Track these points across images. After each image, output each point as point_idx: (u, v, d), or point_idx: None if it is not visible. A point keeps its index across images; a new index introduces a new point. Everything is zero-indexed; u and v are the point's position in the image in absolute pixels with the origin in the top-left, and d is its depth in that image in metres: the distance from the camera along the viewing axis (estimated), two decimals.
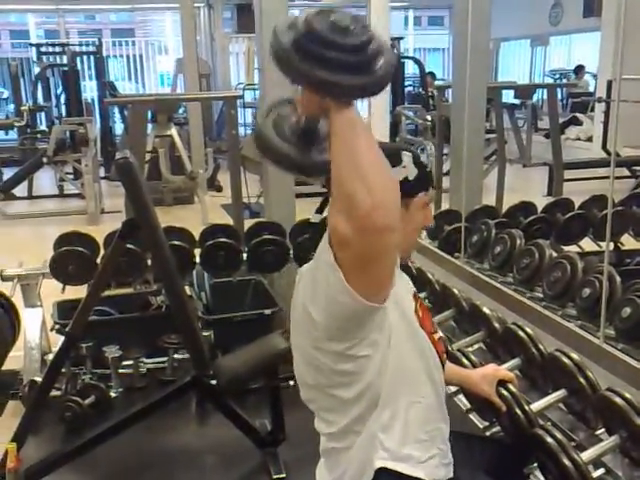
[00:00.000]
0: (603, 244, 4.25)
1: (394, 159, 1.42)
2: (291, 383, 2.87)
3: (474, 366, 2.07)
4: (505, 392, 1.86)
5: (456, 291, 2.59)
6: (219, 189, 7.86)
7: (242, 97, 6.09)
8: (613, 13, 9.37)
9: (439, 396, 1.53)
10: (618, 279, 2.69)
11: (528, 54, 14.14)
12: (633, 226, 4.23)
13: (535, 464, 1.87)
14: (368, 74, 1.13)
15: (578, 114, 10.37)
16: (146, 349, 3.39)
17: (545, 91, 9.85)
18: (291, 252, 3.53)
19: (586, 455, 1.72)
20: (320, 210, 1.60)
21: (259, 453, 2.75)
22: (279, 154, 1.28)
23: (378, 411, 1.41)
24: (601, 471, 1.79)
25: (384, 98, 3.88)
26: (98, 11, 14.80)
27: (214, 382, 2.66)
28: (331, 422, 1.46)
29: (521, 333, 2.15)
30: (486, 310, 2.39)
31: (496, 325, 2.32)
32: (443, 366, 1.57)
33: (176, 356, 3.36)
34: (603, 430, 1.88)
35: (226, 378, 2.59)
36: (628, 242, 4.28)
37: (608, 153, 8.77)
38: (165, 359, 3.39)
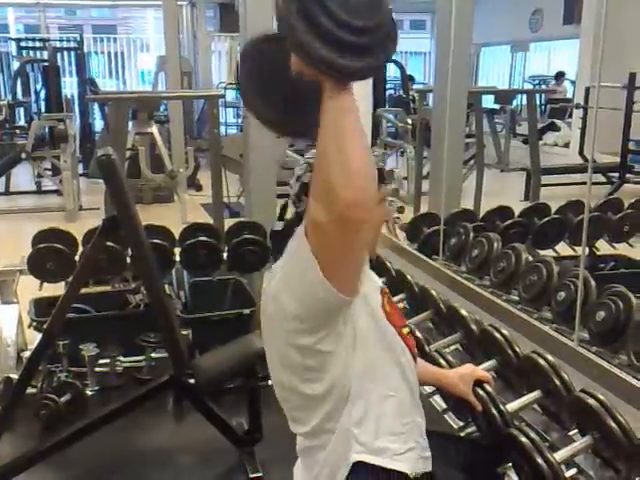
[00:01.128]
0: (579, 249, 4.32)
1: None
2: (269, 382, 2.89)
3: (451, 367, 2.10)
4: (481, 392, 1.88)
5: (434, 293, 2.62)
6: (199, 188, 7.84)
7: (224, 96, 6.08)
8: (592, 21, 9.50)
9: (412, 390, 1.55)
10: (593, 283, 2.73)
11: (508, 59, 14.28)
12: (608, 231, 4.30)
13: (509, 464, 1.90)
14: (372, 57, 1.11)
15: (556, 120, 10.49)
16: (123, 348, 3.37)
17: (524, 97, 9.98)
18: (271, 252, 3.54)
19: (559, 455, 1.74)
20: (281, 217, 1.62)
21: (236, 452, 2.75)
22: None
23: (349, 406, 1.43)
24: (573, 471, 1.82)
25: (367, 100, 3.89)
26: (79, 7, 14.67)
27: (192, 381, 2.66)
28: (303, 421, 1.48)
29: (497, 335, 2.18)
30: (463, 312, 2.42)
31: (473, 327, 2.35)
32: (415, 360, 1.59)
33: (153, 355, 3.35)
34: (576, 431, 1.91)
35: (204, 377, 2.60)
36: (603, 247, 4.35)
37: (585, 159, 8.89)
38: (142, 358, 3.38)
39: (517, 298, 3.00)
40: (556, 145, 10.32)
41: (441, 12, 4.24)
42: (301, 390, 1.44)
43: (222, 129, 9.94)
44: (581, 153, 8.97)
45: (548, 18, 11.24)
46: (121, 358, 3.36)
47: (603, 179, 8.16)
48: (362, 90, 3.90)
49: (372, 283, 1.57)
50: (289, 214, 1.57)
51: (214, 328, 3.44)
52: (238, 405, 2.89)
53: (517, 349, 2.14)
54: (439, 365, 2.10)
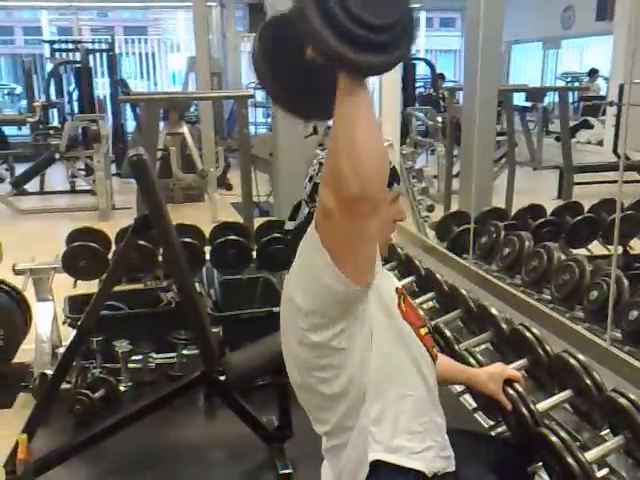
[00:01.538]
0: (612, 247, 4.27)
1: None
2: None
3: (481, 366, 2.09)
4: (511, 391, 1.87)
5: (464, 292, 2.61)
6: (229, 187, 7.90)
7: (253, 96, 6.10)
8: (626, 17, 9.36)
9: (430, 389, 1.55)
10: (626, 282, 2.71)
11: (540, 57, 14.13)
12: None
13: (540, 463, 1.89)
14: (390, 54, 1.12)
15: (589, 117, 10.36)
16: (155, 344, 3.42)
17: (557, 94, 9.86)
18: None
19: (590, 455, 1.73)
20: (292, 217, 1.63)
21: (266, 449, 2.78)
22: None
23: (367, 405, 1.44)
24: (605, 471, 1.80)
25: (396, 98, 3.89)
26: (111, 8, 14.86)
27: (223, 378, 2.69)
28: (324, 421, 1.50)
29: (528, 334, 2.17)
30: (494, 311, 2.40)
31: (503, 326, 2.34)
32: (434, 359, 1.59)
33: (185, 352, 3.39)
34: (608, 431, 1.89)
35: (235, 374, 2.62)
36: (638, 246, 4.29)
37: (619, 157, 8.77)
38: (174, 355, 3.42)
39: (549, 297, 2.98)
40: (589, 143, 10.19)
41: (470, 10, 4.22)
42: (319, 390, 1.45)
43: (251, 129, 10.01)
44: (615, 151, 8.85)
45: (580, 14, 11.11)
46: (153, 355, 3.40)
47: (638, 177, 8.03)
48: (391, 88, 3.92)
49: (389, 283, 1.58)
50: (302, 214, 1.59)
51: (244, 326, 3.47)
52: (268, 402, 2.91)
53: (548, 348, 2.12)
54: (469, 364, 2.09)
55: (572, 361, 1.97)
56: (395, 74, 3.91)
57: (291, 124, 3.78)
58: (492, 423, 2.16)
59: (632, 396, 1.74)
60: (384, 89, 3.86)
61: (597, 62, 12.26)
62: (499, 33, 4.18)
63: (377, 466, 1.45)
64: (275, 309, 3.62)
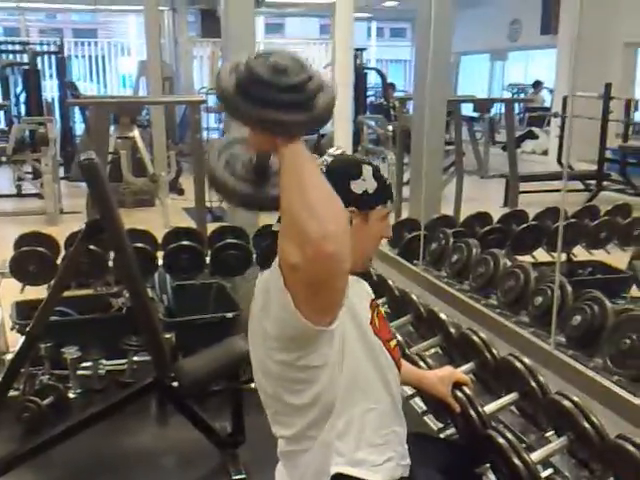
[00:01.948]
0: (556, 255, 4.40)
1: (355, 171, 1.48)
2: (252, 386, 2.92)
3: (430, 369, 2.14)
4: (460, 394, 1.93)
5: (414, 297, 2.66)
6: (181, 192, 7.84)
7: (206, 102, 6.09)
8: (569, 32, 9.66)
9: (395, 401, 1.58)
10: (569, 289, 2.80)
11: (487, 68, 14.45)
12: (585, 238, 4.38)
13: (488, 465, 1.95)
14: (309, 110, 1.17)
15: (534, 128, 10.64)
16: (106, 351, 3.38)
17: (503, 105, 10.08)
18: (254, 256, 3.57)
19: (535, 456, 1.79)
20: (281, 219, 1.65)
21: (219, 455, 2.78)
22: (233, 192, 1.32)
23: (333, 419, 1.45)
24: (549, 471, 1.87)
25: (347, 107, 3.95)
26: (60, 10, 14.60)
27: (175, 384, 2.69)
28: (286, 425, 1.50)
29: (475, 338, 2.23)
30: (442, 315, 2.47)
31: (452, 330, 2.40)
32: (399, 370, 1.62)
33: (136, 358, 3.37)
34: (552, 432, 1.96)
35: (188, 380, 2.62)
36: (581, 254, 4.43)
37: (562, 166, 9.03)
38: (124, 361, 3.39)
39: (495, 303, 3.06)
40: (534, 153, 10.46)
41: (421, 21, 4.31)
42: (285, 399, 1.45)
43: (204, 134, 9.96)
44: (559, 161, 9.11)
45: (526, 28, 11.41)
46: (103, 361, 3.36)
47: (581, 186, 8.29)
48: (343, 97, 3.97)
49: (362, 299, 1.58)
50: None
51: (197, 332, 3.46)
52: (221, 408, 2.91)
53: (494, 352, 2.19)
54: (419, 367, 2.15)
55: (518, 364, 2.04)
56: (346, 89, 3.96)
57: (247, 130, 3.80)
58: (441, 426, 2.22)
59: (575, 398, 1.81)
60: (339, 103, 3.91)
61: (542, 74, 12.60)
62: (448, 44, 4.28)
63: (339, 479, 1.48)
64: (228, 315, 3.65)
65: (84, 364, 3.28)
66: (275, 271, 1.28)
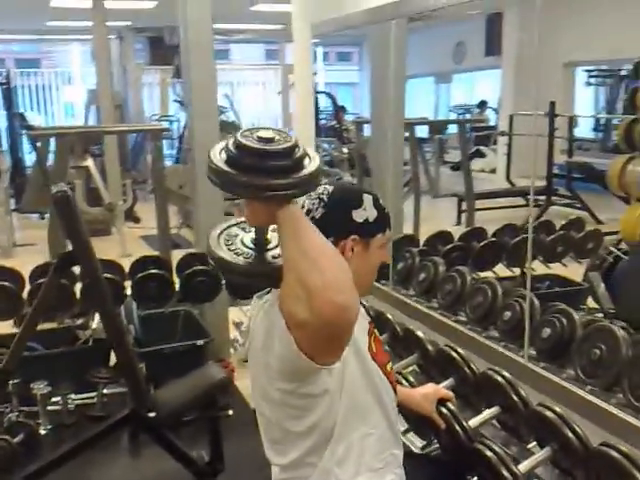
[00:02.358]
0: (516, 270, 4.53)
1: (356, 201, 1.52)
2: (230, 412, 2.92)
3: (413, 387, 2.18)
4: (445, 410, 1.97)
5: (390, 316, 2.71)
6: (137, 220, 7.77)
7: (169, 130, 6.06)
8: (513, 53, 9.98)
9: (392, 425, 1.60)
10: (537, 302, 2.88)
11: (433, 90, 14.75)
12: (542, 252, 4.52)
13: (473, 479, 1.99)
14: (300, 172, 1.24)
15: (481, 147, 10.90)
16: (74, 385, 3.33)
17: (449, 126, 10.33)
18: (223, 283, 3.57)
19: (522, 467, 1.84)
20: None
21: None
22: (238, 270, 1.36)
23: (332, 445, 1.47)
24: None
25: (310, 131, 4.00)
26: (2, 41, 14.35)
27: (152, 415, 2.66)
28: (284, 453, 1.51)
29: (454, 354, 2.28)
30: (419, 334, 2.51)
31: (429, 347, 2.45)
32: (395, 393, 1.65)
33: (105, 391, 3.32)
34: (535, 443, 2.01)
35: (165, 410, 2.59)
36: (539, 268, 4.56)
37: (512, 184, 9.28)
38: (94, 394, 3.34)
39: (465, 319, 3.12)
40: (483, 171, 10.70)
41: (375, 45, 4.39)
42: (285, 425, 1.47)
43: None
44: (508, 178, 9.36)
45: (471, 50, 11.72)
46: (72, 395, 3.31)
47: (527, 202, 8.53)
48: (305, 120, 4.02)
49: (360, 322, 1.55)
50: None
51: (168, 361, 3.44)
52: (195, 437, 2.89)
53: (473, 367, 2.24)
54: (402, 386, 2.18)
55: (498, 378, 2.09)
56: (308, 105, 4.02)
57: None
58: (424, 443, 2.25)
59: (557, 408, 1.87)
60: (299, 121, 3.97)
61: (485, 94, 12.94)
62: (404, 68, 4.38)
63: None
64: (199, 342, 3.63)
65: (53, 399, 3.22)
66: (277, 311, 1.30)
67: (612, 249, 4.93)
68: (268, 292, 1.56)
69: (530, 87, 9.90)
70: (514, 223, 4.72)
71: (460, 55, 12.53)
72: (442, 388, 2.07)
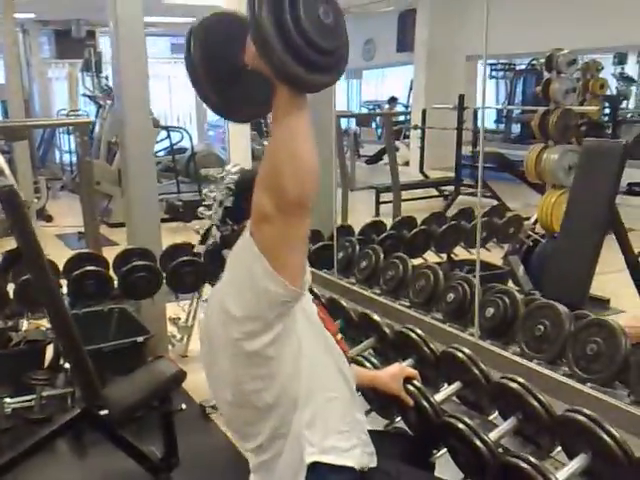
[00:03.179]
0: (443, 256, 4.69)
1: None
2: (183, 406, 2.88)
3: (376, 368, 2.23)
4: (412, 388, 2.03)
5: (344, 302, 2.75)
6: (49, 219, 7.48)
7: (93, 123, 5.85)
8: (424, 48, 10.25)
9: (351, 389, 1.67)
10: (478, 284, 3.00)
11: (343, 86, 14.94)
12: (464, 239, 4.71)
13: (438, 453, 2.06)
14: (334, 74, 1.25)
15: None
16: (9, 388, 3.20)
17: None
18: (163, 278, 3.51)
19: (492, 436, 1.92)
20: (203, 242, 1.69)
21: None
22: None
23: (299, 411, 1.51)
24: (500, 450, 2.01)
25: (245, 126, 3.98)
26: None
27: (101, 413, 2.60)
28: (255, 435, 1.55)
29: (413, 335, 2.35)
30: (376, 317, 2.57)
31: (386, 330, 2.51)
32: (349, 362, 1.72)
33: (44, 393, 3.21)
34: (496, 414, 2.10)
35: (119, 408, 2.54)
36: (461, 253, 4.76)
37: (425, 176, 9.54)
38: (31, 397, 3.21)
39: (408, 303, 3.20)
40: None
41: None
42: (251, 403, 1.50)
43: (66, 157, 9.58)
44: (422, 170, 9.61)
45: (381, 47, 11.93)
46: (7, 399, 3.17)
47: (440, 193, 8.81)
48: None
49: (306, 294, 1.63)
50: (213, 238, 1.65)
51: (106, 359, 3.34)
52: (140, 433, 2.85)
53: (432, 346, 2.32)
54: (365, 368, 2.23)
55: (460, 355, 2.17)
56: None
57: (140, 152, 3.75)
58: (386, 422, 2.31)
59: (521, 379, 1.96)
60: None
61: (394, 90, 13.22)
62: None
63: (314, 468, 1.53)
64: (139, 339, 3.56)
65: None
66: (246, 243, 1.34)
67: (531, 233, 5.20)
68: None
69: (441, 81, 10.24)
70: (440, 212, 4.89)
71: (370, 52, 12.74)
72: (407, 367, 2.13)
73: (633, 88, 11.71)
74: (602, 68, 8.93)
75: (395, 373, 2.05)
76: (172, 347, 4.06)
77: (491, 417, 2.14)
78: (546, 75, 5.24)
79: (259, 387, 1.48)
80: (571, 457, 1.81)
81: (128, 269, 3.39)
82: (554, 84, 5.07)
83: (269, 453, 1.55)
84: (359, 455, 1.60)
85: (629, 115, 11.32)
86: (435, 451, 2.07)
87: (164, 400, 2.69)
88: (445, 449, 2.03)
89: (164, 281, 3.51)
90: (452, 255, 4.80)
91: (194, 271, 3.51)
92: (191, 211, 7.68)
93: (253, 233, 1.33)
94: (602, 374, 2.34)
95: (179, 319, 4.13)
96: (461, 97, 8.25)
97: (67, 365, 3.13)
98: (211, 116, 14.33)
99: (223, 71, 1.38)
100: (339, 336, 1.71)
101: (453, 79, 10.13)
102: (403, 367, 2.12)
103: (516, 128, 11.80)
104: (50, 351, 3.51)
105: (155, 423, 2.87)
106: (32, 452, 2.48)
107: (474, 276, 4.32)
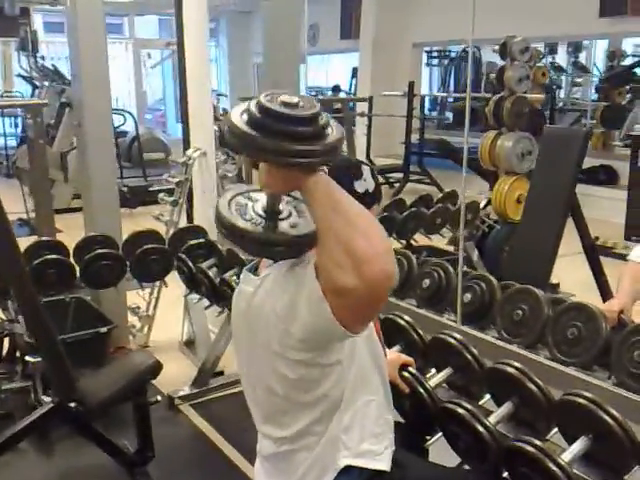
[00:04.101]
0: (403, 242, 4.71)
1: (356, 172, 1.53)
2: (158, 398, 2.80)
3: None
4: (408, 374, 2.02)
5: None
6: None
7: (47, 104, 5.58)
8: (370, 36, 10.23)
9: (387, 390, 1.64)
10: (452, 270, 3.02)
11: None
12: (423, 225, 4.75)
13: (431, 439, 2.06)
14: (326, 139, 1.21)
15: None
16: None
17: None
18: (127, 266, 3.39)
19: (492, 419, 1.92)
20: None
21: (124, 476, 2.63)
22: (257, 239, 1.30)
23: (340, 414, 1.48)
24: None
25: (208, 108, 3.88)
26: None
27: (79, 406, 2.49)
28: (287, 424, 1.50)
29: (401, 321, 2.33)
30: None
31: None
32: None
33: (4, 387, 3.07)
34: (487, 398, 2.11)
35: (95, 401, 2.46)
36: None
37: (372, 163, 9.57)
38: None
39: None
40: (342, 151, 10.93)
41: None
42: (291, 396, 1.46)
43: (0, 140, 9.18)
44: (368, 157, 9.63)
45: (325, 33, 11.83)
46: None
47: (386, 180, 8.86)
48: (203, 98, 3.90)
49: None
50: None
51: (69, 351, 3.21)
52: (111, 426, 2.76)
53: (421, 332, 2.31)
54: None
55: (451, 340, 2.17)
56: (203, 85, 3.90)
57: (100, 135, 3.62)
58: None
59: (517, 364, 1.97)
60: (195, 99, 3.84)
61: (338, 77, 13.20)
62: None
63: (345, 471, 1.50)
64: (102, 329, 3.44)
65: None
66: (310, 279, 1.26)
67: (485, 219, 5.29)
68: (255, 268, 1.53)
69: (387, 69, 10.25)
70: (402, 198, 4.91)
71: (313, 37, 12.64)
72: (403, 354, 2.12)
73: (563, 77, 12.02)
74: (543, 57, 9.14)
75: (392, 359, 2.03)
76: (133, 337, 3.95)
77: (481, 402, 2.15)
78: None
79: (303, 386, 1.43)
80: (569, 440, 1.83)
81: (91, 257, 3.26)
82: (508, 71, 5.16)
83: (296, 445, 1.51)
84: (389, 455, 1.59)
85: (561, 104, 11.62)
86: (428, 437, 2.08)
87: (139, 392, 2.62)
88: (439, 435, 2.04)
89: (128, 269, 3.39)
90: (412, 241, 4.84)
91: (160, 259, 3.41)
92: (137, 197, 7.54)
93: (327, 297, 1.23)
94: (583, 357, 2.39)
95: (139, 308, 4.02)
96: (411, 84, 8.31)
97: (27, 358, 2.99)
98: (151, 99, 14.02)
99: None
100: (378, 325, 1.68)
101: (399, 67, 10.17)
102: (399, 354, 2.11)
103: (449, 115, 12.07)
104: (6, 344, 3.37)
105: (124, 416, 2.80)
106: (4, 448, 2.36)
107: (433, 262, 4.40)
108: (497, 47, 5.22)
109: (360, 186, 1.51)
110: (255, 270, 1.54)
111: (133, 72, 11.93)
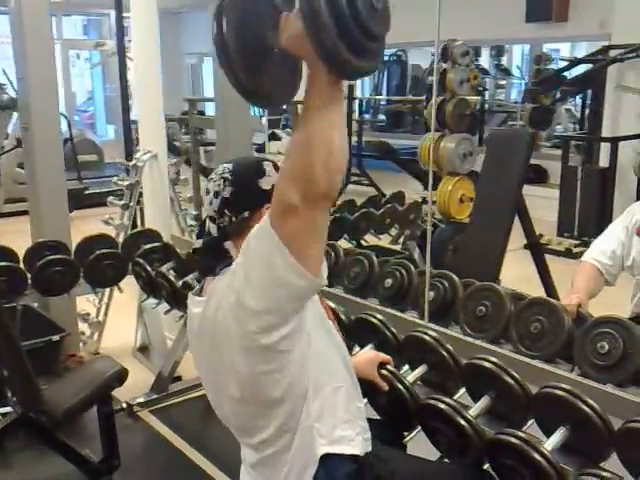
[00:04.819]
0: (355, 242, 4.75)
1: (258, 170, 1.53)
2: (123, 405, 2.73)
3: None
4: (386, 372, 2.05)
5: None
6: None
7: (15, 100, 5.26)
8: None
9: (353, 378, 1.68)
10: (414, 269, 3.07)
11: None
12: (373, 226, 4.82)
13: (409, 435, 2.10)
14: (377, 60, 1.22)
15: (276, 130, 11.08)
16: None
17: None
18: (80, 272, 3.29)
19: (472, 412, 1.96)
20: (199, 236, 1.63)
21: None
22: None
23: (308, 404, 1.50)
24: None
25: (160, 110, 3.81)
26: None
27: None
28: (261, 429, 1.52)
29: (374, 320, 2.36)
30: (331, 304, 2.54)
31: (343, 317, 2.50)
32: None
33: None
34: (462, 392, 2.16)
35: (60, 411, 2.38)
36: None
37: None
38: None
39: (342, 289, 3.21)
40: (279, 153, 10.90)
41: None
42: (260, 398, 1.47)
43: None
44: None
45: None
46: None
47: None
48: (154, 100, 3.83)
49: None
50: (209, 231, 1.57)
51: None
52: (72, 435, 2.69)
53: (394, 330, 2.34)
54: None
55: (426, 337, 2.21)
56: (153, 86, 3.83)
57: (48, 138, 3.51)
58: None
59: (493, 359, 2.02)
60: (145, 101, 3.77)
61: None
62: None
63: (324, 459, 1.53)
64: (55, 337, 3.34)
65: None
66: (263, 233, 1.29)
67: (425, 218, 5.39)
68: (200, 290, 1.58)
69: None
70: (352, 199, 4.95)
71: None
72: (381, 353, 2.14)
73: (487, 80, 12.39)
74: (475, 60, 9.36)
75: (371, 358, 2.07)
76: (83, 345, 3.84)
77: (456, 396, 2.18)
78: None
79: (268, 381, 1.44)
80: (545, 431, 1.90)
81: (44, 263, 3.14)
82: (449, 74, 5.28)
83: (274, 448, 1.53)
84: (362, 442, 1.62)
85: (486, 106, 11.97)
86: (406, 433, 2.11)
87: (105, 400, 2.55)
88: (417, 430, 2.07)
89: (81, 276, 3.30)
90: (362, 242, 4.89)
91: (114, 264, 3.32)
92: (73, 201, 7.31)
93: (275, 224, 1.28)
94: (547, 350, 2.46)
95: (89, 315, 3.92)
96: (350, 87, 8.39)
97: None
98: (80, 100, 13.64)
99: (254, 51, 1.30)
100: (336, 325, 1.70)
101: None
102: (377, 352, 2.13)
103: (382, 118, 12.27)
104: None
105: (85, 424, 2.74)
106: None
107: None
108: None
109: (266, 183, 1.52)
110: (200, 292, 1.58)
111: (62, 73, 11.57)
